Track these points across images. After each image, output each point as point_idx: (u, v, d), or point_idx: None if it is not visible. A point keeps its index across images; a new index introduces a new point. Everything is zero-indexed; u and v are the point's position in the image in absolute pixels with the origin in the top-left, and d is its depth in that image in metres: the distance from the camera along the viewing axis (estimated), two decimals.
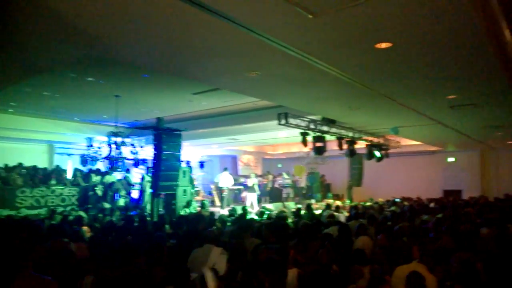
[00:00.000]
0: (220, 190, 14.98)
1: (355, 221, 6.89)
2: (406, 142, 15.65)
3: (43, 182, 11.44)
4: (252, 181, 15.16)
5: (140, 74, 7.76)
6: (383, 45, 4.65)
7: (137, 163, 11.28)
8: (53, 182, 11.57)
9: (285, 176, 16.47)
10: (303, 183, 17.37)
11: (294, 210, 10.40)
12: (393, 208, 10.72)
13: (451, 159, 18.74)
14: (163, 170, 8.85)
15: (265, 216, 8.94)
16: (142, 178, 12.39)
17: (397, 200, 13.08)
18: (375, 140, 12.89)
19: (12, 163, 11.40)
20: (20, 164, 11.51)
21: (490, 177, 17.75)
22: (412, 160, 18.92)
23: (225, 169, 15.79)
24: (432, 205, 11.59)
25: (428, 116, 9.56)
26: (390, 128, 11.10)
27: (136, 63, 6.06)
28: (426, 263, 3.69)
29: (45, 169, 12.33)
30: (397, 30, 4.23)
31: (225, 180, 15.08)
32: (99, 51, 5.29)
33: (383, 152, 13.39)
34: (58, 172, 12.09)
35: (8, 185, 10.66)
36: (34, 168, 11.74)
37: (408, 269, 3.41)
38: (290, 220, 8.10)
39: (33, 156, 13.96)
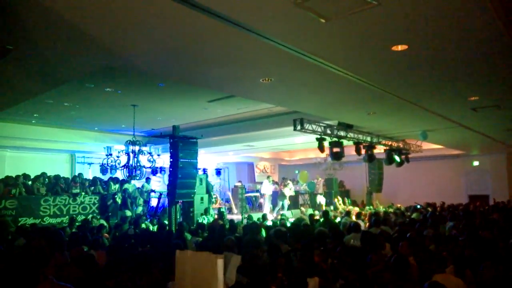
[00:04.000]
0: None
1: (376, 228, 6.73)
2: (428, 146, 15.29)
3: (65, 191, 11.67)
4: (288, 191, 15.18)
5: (156, 83, 7.86)
6: (399, 47, 4.57)
7: (154, 171, 11.38)
8: (75, 190, 11.80)
9: (290, 184, 16.39)
10: (320, 189, 17.18)
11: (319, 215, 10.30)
12: (414, 214, 10.45)
13: (476, 163, 18.18)
14: (180, 177, 8.88)
15: (287, 223, 8.85)
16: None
17: (418, 206, 12.76)
18: (395, 144, 12.65)
19: (35, 172, 11.69)
20: (43, 174, 11.78)
21: None
22: (434, 164, 18.47)
23: (268, 177, 16.01)
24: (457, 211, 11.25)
25: (450, 119, 9.34)
26: (419, 133, 10.82)
27: (152, 72, 6.15)
28: (458, 272, 3.54)
29: (66, 178, 12.60)
30: (413, 32, 4.15)
31: (266, 188, 15.30)
32: (116, 61, 5.38)
33: (403, 156, 13.12)
34: (80, 181, 12.32)
35: (32, 194, 10.92)
36: (57, 177, 12.00)
37: (443, 278, 3.26)
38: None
39: (56, 165, 14.31)
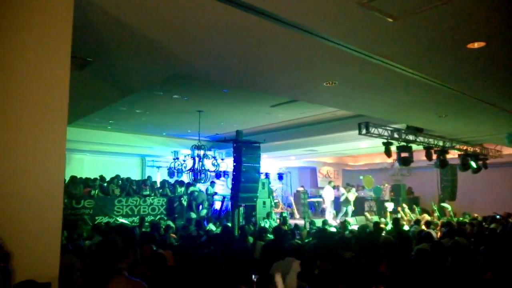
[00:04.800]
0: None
1: (449, 239, 6.27)
2: (509, 151, 13.95)
3: (137, 192, 12.41)
4: (352, 196, 14.85)
5: (221, 90, 8.07)
6: (476, 44, 4.22)
7: (218, 175, 11.68)
8: (145, 192, 12.50)
9: (354, 189, 15.80)
10: (387, 195, 16.42)
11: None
12: (493, 225, 9.57)
13: None
14: (243, 181, 9.03)
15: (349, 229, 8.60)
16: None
17: (498, 216, 11.66)
18: (471, 149, 11.71)
19: (110, 175, 12.61)
20: (117, 176, 12.66)
21: None
22: None
23: (329, 182, 15.85)
24: None
25: None
26: (505, 136, 9.91)
27: (217, 79, 6.32)
28: None
29: (138, 180, 13.40)
30: (491, 27, 3.80)
31: (328, 193, 15.17)
32: (183, 69, 5.62)
33: (480, 162, 12.12)
34: (150, 183, 13.04)
35: (108, 195, 11.76)
36: (129, 179, 12.81)
37: None
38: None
39: (128, 168, 15.31)
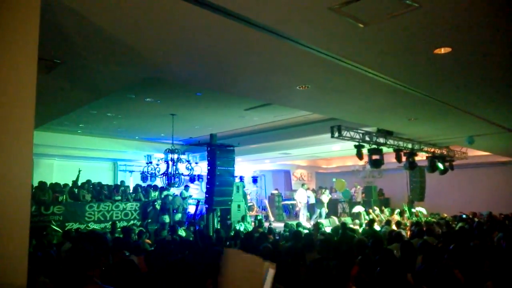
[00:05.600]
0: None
1: (418, 238, 6.46)
2: (473, 153, 14.56)
3: (108, 197, 12.12)
4: (326, 198, 15.04)
5: (194, 93, 8.02)
6: (443, 50, 4.38)
7: (192, 179, 11.58)
8: (117, 197, 12.23)
9: (327, 191, 16.09)
10: (359, 197, 16.77)
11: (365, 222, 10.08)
12: (460, 224, 9.95)
13: None
14: (218, 185, 9.00)
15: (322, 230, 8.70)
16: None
17: (464, 216, 12.13)
18: (438, 151, 12.14)
19: (81, 180, 12.26)
20: (88, 181, 12.32)
21: None
22: (480, 172, 17.52)
23: (302, 185, 16.00)
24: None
25: (498, 124, 8.84)
26: (465, 138, 10.36)
27: (191, 83, 6.27)
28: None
29: (109, 185, 13.09)
30: (457, 34, 3.96)
31: (301, 196, 15.32)
32: (156, 72, 5.55)
33: (447, 164, 12.57)
34: (122, 188, 12.77)
35: (78, 201, 11.42)
36: (100, 184, 12.49)
37: None
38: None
39: (99, 173, 14.93)
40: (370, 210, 14.11)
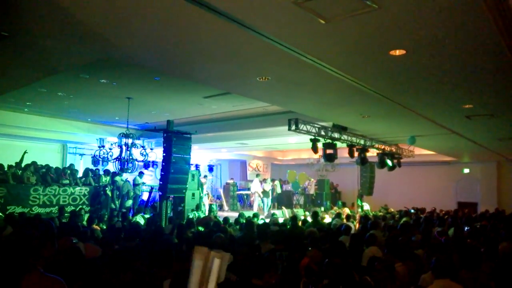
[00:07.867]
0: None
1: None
2: (420, 151, 15.42)
3: (56, 181, 11.55)
4: (268, 186, 15.22)
5: (152, 77, 7.80)
6: (397, 52, 4.58)
7: (147, 165, 11.32)
8: (65, 181, 11.68)
9: (268, 181, 16.43)
10: (312, 190, 17.23)
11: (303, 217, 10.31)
12: (404, 219, 10.51)
13: (466, 170, 18.39)
14: (172, 172, 8.84)
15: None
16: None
17: (412, 211, 12.84)
18: (388, 148, 12.73)
19: (26, 161, 11.55)
20: (34, 163, 11.63)
21: (507, 189, 17.33)
22: (425, 170, 18.65)
23: (257, 175, 16.07)
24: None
25: (443, 125, 9.41)
26: (408, 138, 10.93)
27: (148, 65, 6.10)
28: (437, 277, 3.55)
29: (57, 168, 12.47)
30: (411, 37, 4.16)
31: (255, 186, 15.40)
32: (112, 53, 5.33)
33: (395, 161, 13.21)
34: (71, 172, 12.20)
35: (22, 183, 10.79)
36: (47, 167, 11.86)
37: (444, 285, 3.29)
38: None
39: (47, 155, 14.17)
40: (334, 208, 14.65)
